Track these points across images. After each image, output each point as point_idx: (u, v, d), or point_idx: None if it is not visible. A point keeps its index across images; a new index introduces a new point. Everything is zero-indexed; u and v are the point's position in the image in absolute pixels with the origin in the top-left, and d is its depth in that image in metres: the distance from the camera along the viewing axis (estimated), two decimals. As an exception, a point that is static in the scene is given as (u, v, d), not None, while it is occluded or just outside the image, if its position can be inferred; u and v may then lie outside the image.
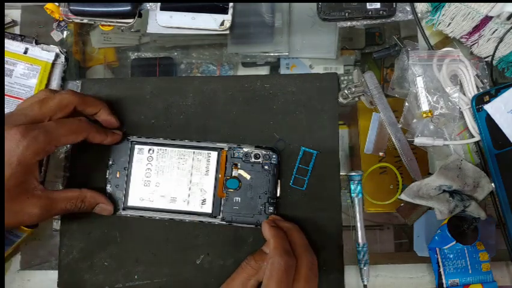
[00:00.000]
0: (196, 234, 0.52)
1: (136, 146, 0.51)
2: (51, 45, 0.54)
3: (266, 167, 0.50)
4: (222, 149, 0.51)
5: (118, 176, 0.51)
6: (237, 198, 0.50)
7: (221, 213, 0.50)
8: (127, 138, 0.52)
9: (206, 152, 0.51)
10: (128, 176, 0.51)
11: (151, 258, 0.52)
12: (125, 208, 0.50)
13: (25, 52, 0.53)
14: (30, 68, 0.53)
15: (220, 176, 0.50)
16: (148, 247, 0.52)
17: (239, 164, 0.50)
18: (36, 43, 0.54)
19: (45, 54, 0.54)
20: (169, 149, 0.51)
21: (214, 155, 0.51)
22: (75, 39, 0.61)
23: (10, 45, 0.53)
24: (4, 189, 0.41)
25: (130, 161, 0.51)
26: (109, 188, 0.51)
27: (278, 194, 0.51)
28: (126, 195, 0.51)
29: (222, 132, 0.53)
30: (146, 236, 0.52)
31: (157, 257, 0.52)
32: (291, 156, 0.52)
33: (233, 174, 0.50)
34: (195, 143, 0.51)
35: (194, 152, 0.51)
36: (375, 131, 0.54)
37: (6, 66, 0.53)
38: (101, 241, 0.52)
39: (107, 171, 0.51)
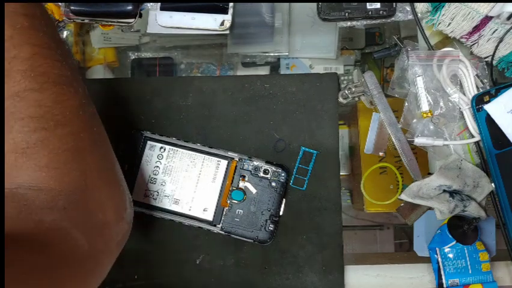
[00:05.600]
0: (196, 234, 0.52)
1: (149, 142, 0.51)
2: None
3: (273, 184, 0.50)
4: (233, 159, 0.51)
5: (126, 168, 0.51)
6: (239, 210, 0.50)
7: (221, 223, 0.50)
8: (140, 133, 0.52)
9: (216, 159, 0.51)
10: (136, 170, 0.51)
11: (151, 258, 0.52)
12: None
13: None
14: None
15: (226, 185, 0.50)
16: (148, 247, 0.52)
17: (247, 177, 0.50)
18: None
19: None
20: (180, 150, 0.51)
21: (223, 163, 0.50)
22: (75, 39, 0.61)
23: None
24: (4, 190, 0.41)
25: (140, 156, 0.51)
26: None
27: (281, 213, 0.51)
28: (131, 190, 0.51)
29: (222, 132, 0.53)
30: (146, 235, 0.52)
31: (157, 257, 0.52)
32: (291, 156, 0.52)
33: (239, 186, 0.50)
34: (207, 148, 0.51)
35: (204, 158, 0.51)
36: (375, 131, 0.54)
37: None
38: (101, 241, 0.52)
39: None
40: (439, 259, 0.51)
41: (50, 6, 0.55)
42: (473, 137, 0.52)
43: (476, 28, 0.51)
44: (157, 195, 0.50)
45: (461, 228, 0.50)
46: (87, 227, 0.34)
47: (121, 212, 0.38)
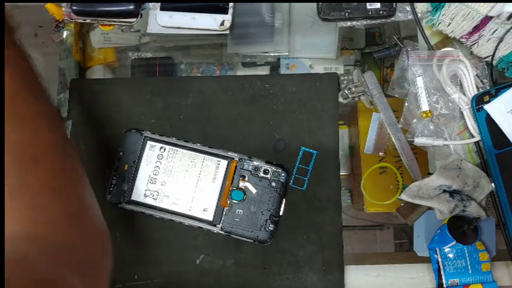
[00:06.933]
0: (196, 234, 0.52)
1: (149, 142, 0.51)
2: None
3: (273, 184, 0.50)
4: (233, 159, 0.51)
5: (126, 168, 0.51)
6: (239, 210, 0.50)
7: (221, 223, 0.50)
8: (140, 133, 0.52)
9: (216, 159, 0.51)
10: (136, 170, 0.51)
11: (151, 258, 0.52)
12: (128, 202, 0.50)
13: None
14: None
15: (226, 185, 0.50)
16: (148, 247, 0.52)
17: (247, 177, 0.50)
18: None
19: None
20: (180, 150, 0.51)
21: (223, 163, 0.50)
22: (75, 39, 0.61)
23: None
24: (4, 189, 0.40)
25: (140, 156, 0.51)
26: (114, 178, 0.51)
27: (281, 213, 0.50)
28: (131, 189, 0.51)
29: (222, 132, 0.53)
30: (146, 235, 0.52)
31: (157, 257, 0.52)
32: (291, 156, 0.52)
33: (239, 186, 0.50)
34: (207, 148, 0.51)
35: (204, 158, 0.51)
36: (375, 131, 0.54)
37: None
38: (101, 241, 0.52)
39: (116, 162, 0.51)
40: (439, 259, 0.51)
41: (50, 6, 0.55)
42: (473, 137, 0.52)
43: (476, 28, 0.51)
44: (157, 195, 0.50)
45: (461, 228, 0.50)
46: (80, 268, 0.33)
47: (106, 249, 0.38)
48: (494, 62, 0.52)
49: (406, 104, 0.53)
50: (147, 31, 0.57)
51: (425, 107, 0.52)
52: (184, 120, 0.54)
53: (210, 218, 0.50)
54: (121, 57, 0.64)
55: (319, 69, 0.63)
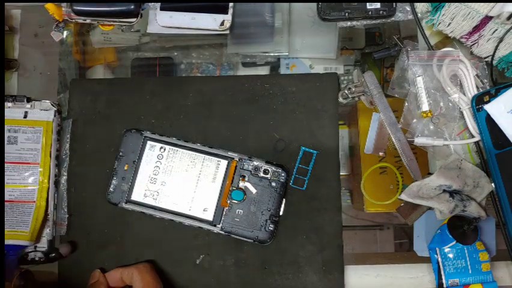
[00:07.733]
0: (196, 234, 0.52)
1: (149, 142, 0.51)
2: (47, 102, 0.54)
3: (273, 184, 0.50)
4: (233, 159, 0.51)
5: (126, 168, 0.51)
6: (239, 210, 0.50)
7: (221, 223, 0.50)
8: (140, 133, 0.52)
9: (216, 159, 0.51)
10: (136, 170, 0.51)
11: (151, 258, 0.52)
12: (128, 202, 0.50)
13: (25, 116, 0.53)
14: (33, 131, 0.52)
15: (226, 185, 0.50)
16: (148, 247, 0.52)
17: (247, 177, 0.50)
18: (28, 101, 0.53)
19: (44, 114, 0.53)
20: (180, 150, 0.51)
21: (223, 163, 0.50)
22: (75, 39, 0.61)
23: (10, 112, 0.52)
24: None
25: (140, 156, 0.51)
26: (115, 178, 0.51)
27: (281, 213, 0.50)
28: (131, 189, 0.51)
29: (222, 132, 0.53)
30: (146, 236, 0.52)
31: (157, 257, 0.52)
32: (291, 156, 0.52)
33: (239, 186, 0.50)
34: (207, 148, 0.51)
35: (204, 158, 0.51)
36: (375, 131, 0.54)
37: (9, 134, 0.52)
38: (101, 241, 0.52)
39: (116, 162, 0.51)
40: (439, 259, 0.51)
41: (50, 6, 0.55)
42: (473, 137, 0.52)
43: (476, 28, 0.51)
44: (157, 195, 0.50)
45: (461, 228, 0.50)
46: None
47: None
48: (494, 62, 0.52)
49: (406, 104, 0.53)
50: (147, 31, 0.57)
51: (425, 107, 0.52)
52: (184, 120, 0.54)
53: (210, 218, 0.50)
54: (121, 57, 0.64)
55: (319, 69, 0.63)
